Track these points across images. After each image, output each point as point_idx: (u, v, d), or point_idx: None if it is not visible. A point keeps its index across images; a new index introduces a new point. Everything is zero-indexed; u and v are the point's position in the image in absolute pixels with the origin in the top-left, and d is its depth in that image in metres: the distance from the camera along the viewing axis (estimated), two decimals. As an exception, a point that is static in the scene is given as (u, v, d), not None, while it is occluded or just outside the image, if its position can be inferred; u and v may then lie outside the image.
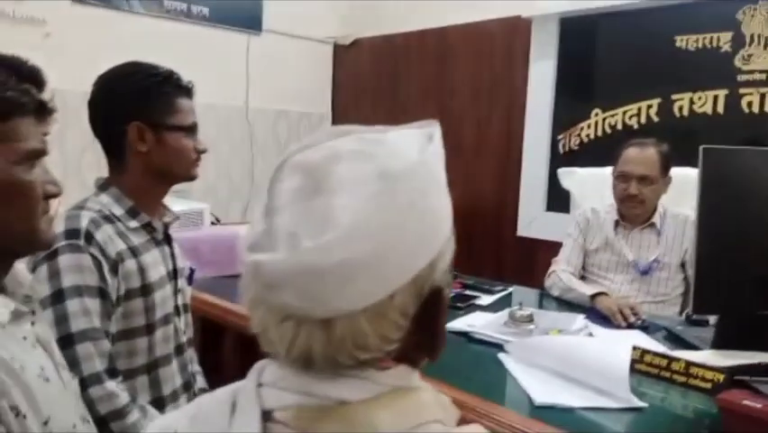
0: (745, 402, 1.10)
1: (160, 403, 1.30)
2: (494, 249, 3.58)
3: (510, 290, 2.19)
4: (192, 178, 1.39)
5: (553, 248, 2.37)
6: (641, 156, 2.08)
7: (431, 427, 0.53)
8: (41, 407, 0.76)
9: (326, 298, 0.49)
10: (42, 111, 0.82)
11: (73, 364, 1.12)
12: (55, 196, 0.84)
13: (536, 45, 3.36)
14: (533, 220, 3.44)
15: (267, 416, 0.54)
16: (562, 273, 2.13)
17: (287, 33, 3.86)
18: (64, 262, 1.19)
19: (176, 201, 1.96)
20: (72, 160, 2.99)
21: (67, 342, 1.14)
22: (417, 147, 0.55)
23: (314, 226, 0.49)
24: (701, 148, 1.31)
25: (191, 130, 1.36)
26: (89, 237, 1.22)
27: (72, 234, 1.21)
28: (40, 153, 0.81)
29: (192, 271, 1.45)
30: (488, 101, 3.60)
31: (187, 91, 1.36)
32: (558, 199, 3.20)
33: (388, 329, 0.52)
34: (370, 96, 4.08)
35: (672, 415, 1.26)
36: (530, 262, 3.30)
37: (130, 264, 1.27)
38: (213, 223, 2.46)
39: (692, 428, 1.21)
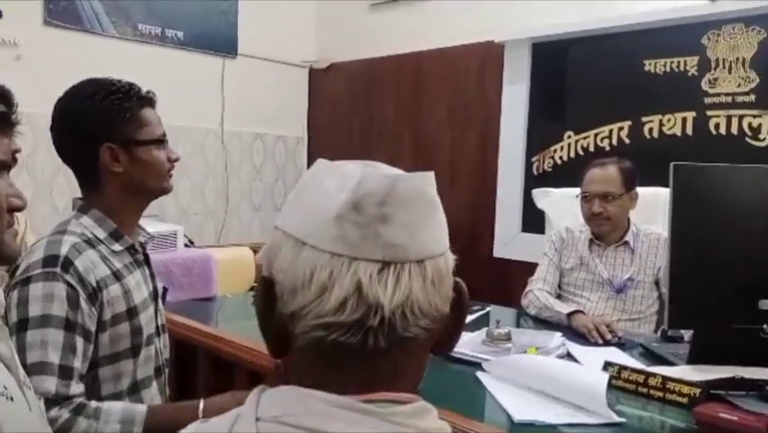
0: (722, 415, 1.11)
1: None
2: (470, 270, 3.52)
3: (488, 309, 2.19)
4: (166, 190, 1.36)
5: (529, 269, 2.38)
6: (601, 175, 2.14)
7: None
8: (4, 427, 0.73)
9: (424, 233, 0.55)
10: (5, 123, 0.80)
11: None
12: (19, 209, 0.82)
13: (509, 69, 3.42)
14: (509, 241, 3.46)
15: None
16: (538, 292, 2.14)
17: (262, 57, 3.88)
18: (34, 290, 1.15)
19: (150, 223, 1.93)
20: (42, 183, 2.94)
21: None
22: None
23: (397, 173, 0.57)
24: (672, 165, 1.33)
25: (161, 141, 1.33)
26: (67, 265, 1.18)
27: (50, 261, 1.17)
28: (2, 165, 0.80)
29: (165, 289, 1.42)
30: (462, 124, 3.64)
31: (149, 101, 1.33)
32: (533, 220, 3.23)
33: (447, 289, 0.58)
34: (346, 119, 4.10)
35: (649, 429, 1.26)
36: (506, 283, 3.31)
37: (114, 289, 1.23)
38: (186, 245, 2.43)
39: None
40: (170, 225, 2.39)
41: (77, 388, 1.16)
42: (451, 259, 0.59)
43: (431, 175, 0.58)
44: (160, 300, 1.40)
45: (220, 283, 2.24)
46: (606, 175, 2.12)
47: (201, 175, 3.64)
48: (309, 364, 0.56)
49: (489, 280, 3.51)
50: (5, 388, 0.77)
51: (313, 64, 4.18)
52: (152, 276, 1.38)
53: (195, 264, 2.10)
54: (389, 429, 0.51)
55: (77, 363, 1.17)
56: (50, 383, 1.12)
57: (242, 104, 3.78)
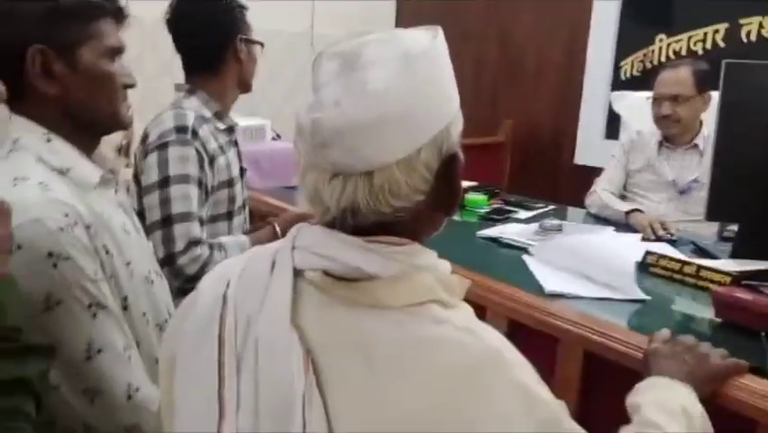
0: (737, 294, 1.19)
1: None
2: (551, 176, 3.62)
3: (551, 207, 2.28)
4: (250, 89, 1.65)
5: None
6: (672, 77, 2.13)
7: (429, 307, 0.65)
8: (124, 251, 0.96)
9: (367, 152, 0.62)
10: (120, 14, 0.99)
11: (169, 240, 1.36)
12: (131, 86, 1.03)
13: (602, -33, 3.29)
14: (592, 148, 3.43)
15: (298, 273, 0.67)
16: (601, 192, 2.22)
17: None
18: (173, 153, 1.40)
19: (242, 118, 2.15)
20: (150, 82, 3.20)
21: (167, 221, 1.37)
22: (428, 38, 0.69)
23: (354, 93, 0.62)
24: (724, 62, 1.36)
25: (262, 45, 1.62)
26: (195, 133, 1.43)
27: (181, 129, 1.43)
28: (119, 50, 0.99)
29: (244, 169, 1.67)
30: (550, 25, 3.57)
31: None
32: (618, 127, 3.20)
33: (417, 180, 0.65)
34: (433, 18, 4.08)
35: (670, 307, 1.33)
36: (587, 191, 3.34)
37: (221, 160, 1.49)
38: (273, 138, 2.66)
39: (689, 318, 1.30)
40: (259, 119, 2.61)
41: (205, 233, 1.44)
42: (430, 150, 0.65)
43: (395, 91, 0.62)
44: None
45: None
46: (677, 77, 2.11)
47: (291, 78, 3.82)
48: None
49: (569, 188, 3.52)
50: (124, 224, 1.00)
51: (401, -35, 4.16)
52: (239, 156, 1.63)
53: (280, 155, 2.33)
54: (387, 263, 0.65)
55: (203, 214, 1.45)
56: (196, 229, 1.40)
57: (331, 5, 3.86)
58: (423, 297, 0.65)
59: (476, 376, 0.61)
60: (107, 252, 0.92)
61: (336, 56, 0.65)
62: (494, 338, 0.66)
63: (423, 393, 0.60)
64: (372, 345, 0.62)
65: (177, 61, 1.62)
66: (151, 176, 1.40)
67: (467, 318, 0.68)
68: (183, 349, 0.69)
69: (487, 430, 0.59)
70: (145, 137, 1.48)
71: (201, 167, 1.42)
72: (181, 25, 1.52)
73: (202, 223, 1.44)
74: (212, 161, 1.46)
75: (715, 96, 2.14)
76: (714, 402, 0.92)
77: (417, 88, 0.64)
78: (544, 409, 0.63)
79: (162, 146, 1.41)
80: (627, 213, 2.03)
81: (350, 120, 0.62)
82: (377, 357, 0.62)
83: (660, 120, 2.17)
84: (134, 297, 0.96)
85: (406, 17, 4.26)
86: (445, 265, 0.72)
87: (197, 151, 1.42)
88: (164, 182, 1.39)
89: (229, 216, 1.54)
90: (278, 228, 1.59)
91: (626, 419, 0.85)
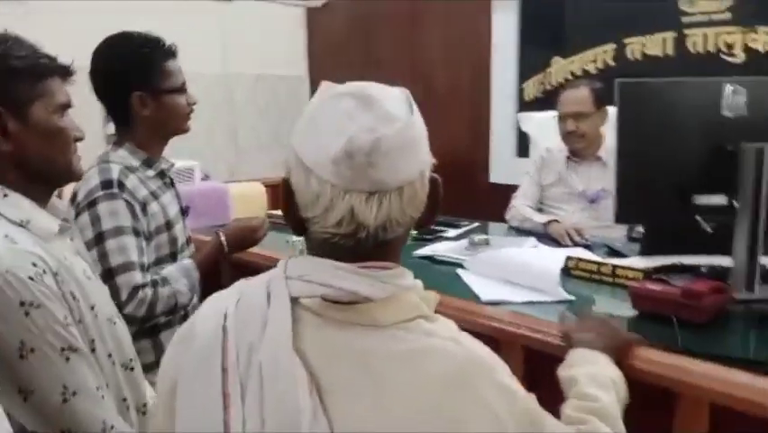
0: (648, 286, 1.35)
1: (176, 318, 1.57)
2: (469, 196, 3.78)
3: (476, 224, 2.43)
4: (186, 130, 1.64)
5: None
6: (573, 96, 2.35)
7: (418, 322, 0.72)
8: (89, 295, 0.99)
9: (402, 169, 0.70)
10: (66, 72, 1.03)
11: (114, 292, 1.36)
12: (80, 139, 1.07)
13: (498, -1, 3.54)
14: (504, 167, 3.63)
15: (293, 300, 0.72)
16: (520, 207, 2.39)
17: (257, -1, 3.98)
18: (102, 209, 1.42)
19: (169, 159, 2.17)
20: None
21: (108, 275, 1.39)
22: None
23: (386, 120, 0.70)
24: (616, 81, 1.53)
25: (183, 89, 1.59)
26: (121, 185, 1.46)
27: (107, 184, 1.45)
28: (67, 106, 1.04)
29: (187, 208, 1.71)
30: (457, 54, 3.76)
31: (172, 53, 1.58)
32: (527, 145, 3.41)
33: (424, 194, 0.75)
34: (345, 55, 4.23)
35: (592, 304, 1.48)
36: (504, 208, 3.53)
37: (154, 206, 1.52)
38: (203, 179, 2.68)
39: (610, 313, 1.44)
40: (188, 161, 2.63)
41: (149, 276, 1.46)
42: (427, 170, 0.75)
43: (411, 119, 0.72)
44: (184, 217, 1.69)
45: (236, 214, 2.48)
46: (576, 96, 2.33)
47: (209, 118, 3.83)
48: (319, 246, 0.75)
49: (487, 206, 3.68)
50: (84, 270, 1.03)
51: (308, 3, 4.28)
52: (178, 197, 1.66)
53: (212, 194, 2.36)
54: (380, 286, 0.72)
55: (146, 260, 1.47)
56: (137, 276, 1.42)
57: (242, 46, 3.92)
58: (411, 313, 0.73)
59: (464, 379, 0.69)
60: (74, 297, 0.95)
61: (346, 96, 0.73)
62: (475, 345, 0.74)
63: (417, 399, 0.67)
64: (370, 360, 0.69)
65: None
66: (87, 234, 1.41)
67: (450, 329, 0.76)
68: (185, 379, 0.72)
69: (476, 427, 0.67)
70: (74, 197, 1.49)
71: (134, 216, 1.45)
72: (92, 81, 1.54)
73: (145, 269, 1.46)
74: (144, 208, 1.48)
75: (611, 110, 2.39)
76: (623, 366, 1.06)
77: (420, 119, 0.76)
78: (521, 404, 0.73)
79: (91, 204, 1.43)
80: (546, 224, 2.20)
81: (395, 141, 0.70)
82: (375, 371, 0.68)
83: (566, 136, 2.37)
84: (100, 339, 0.99)
85: (318, 57, 4.37)
86: (420, 283, 0.80)
87: (127, 201, 1.44)
88: (99, 238, 1.41)
89: (173, 256, 1.57)
90: (222, 237, 1.64)
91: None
